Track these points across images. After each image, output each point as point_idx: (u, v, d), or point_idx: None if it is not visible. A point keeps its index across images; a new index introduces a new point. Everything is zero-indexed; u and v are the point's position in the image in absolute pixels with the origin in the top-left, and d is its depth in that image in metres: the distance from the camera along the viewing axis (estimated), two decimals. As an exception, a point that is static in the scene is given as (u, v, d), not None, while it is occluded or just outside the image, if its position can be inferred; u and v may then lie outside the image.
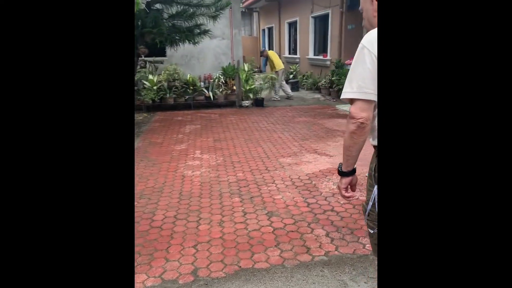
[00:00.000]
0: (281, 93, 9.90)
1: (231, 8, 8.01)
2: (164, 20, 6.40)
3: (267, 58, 9.87)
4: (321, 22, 11.22)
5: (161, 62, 8.83)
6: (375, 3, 1.45)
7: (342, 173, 1.52)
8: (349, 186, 1.54)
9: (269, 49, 12.94)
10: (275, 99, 9.56)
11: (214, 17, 6.39)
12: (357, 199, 3.34)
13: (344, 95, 1.40)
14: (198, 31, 6.57)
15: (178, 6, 6.46)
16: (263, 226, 2.89)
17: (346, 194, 1.52)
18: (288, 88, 10.05)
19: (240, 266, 2.36)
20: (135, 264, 2.41)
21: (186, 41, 6.74)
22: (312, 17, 11.49)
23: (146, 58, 8.63)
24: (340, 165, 1.53)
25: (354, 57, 1.39)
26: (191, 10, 6.24)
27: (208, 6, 6.52)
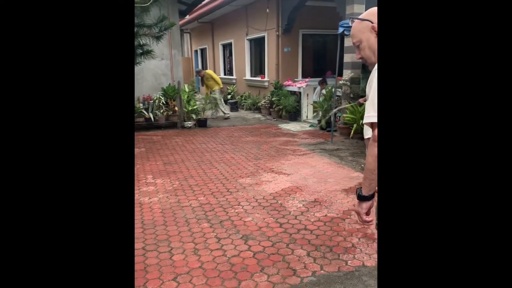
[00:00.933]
0: (220, 113, 9.90)
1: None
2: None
3: (202, 78, 9.82)
4: (257, 44, 11.56)
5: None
6: (375, 27, 1.44)
7: (362, 198, 1.47)
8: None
9: (203, 70, 12.94)
10: (224, 115, 9.66)
11: (157, 38, 6.21)
12: (325, 216, 3.42)
13: (368, 119, 1.39)
14: (141, 51, 6.32)
15: (119, 25, 6.17)
16: (241, 251, 2.80)
17: (367, 219, 1.50)
18: (226, 108, 10.12)
19: (230, 296, 2.24)
20: (111, 306, 2.16)
21: (127, 61, 6.43)
22: (247, 39, 11.79)
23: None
24: (360, 189, 1.50)
25: (373, 79, 1.42)
26: (134, 29, 6.00)
27: (150, 27, 6.32)
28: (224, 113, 9.81)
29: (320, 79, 8.66)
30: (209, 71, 9.93)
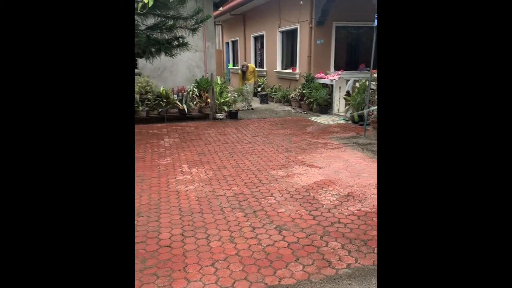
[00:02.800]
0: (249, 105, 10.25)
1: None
2: (141, 32, 6.23)
3: (245, 72, 10.34)
4: (289, 37, 11.51)
5: (139, 75, 8.56)
6: None
7: None
8: None
9: (232, 62, 13.23)
10: (249, 107, 9.97)
11: (193, 30, 6.32)
12: (359, 210, 3.42)
13: None
14: (177, 43, 6.46)
15: (156, 18, 6.33)
16: (276, 241, 2.86)
17: None
18: (252, 100, 10.59)
19: (267, 283, 2.32)
20: (155, 287, 2.29)
21: (162, 53, 6.60)
22: (279, 31, 11.75)
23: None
24: None
25: None
26: (171, 22, 6.14)
27: (186, 19, 6.45)
28: (250, 104, 10.22)
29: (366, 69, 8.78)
30: (252, 65, 10.32)
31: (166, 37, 6.36)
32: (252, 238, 2.91)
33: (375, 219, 3.22)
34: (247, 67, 10.41)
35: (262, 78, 13.18)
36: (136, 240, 2.88)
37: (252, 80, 10.32)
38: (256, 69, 14.13)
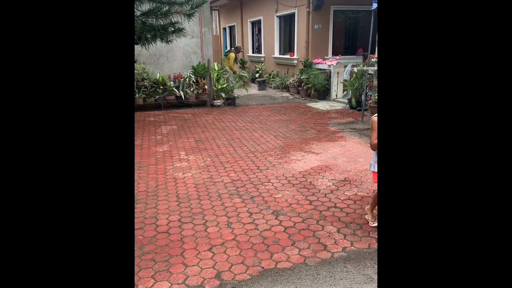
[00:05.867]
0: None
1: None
2: (136, 18, 6.15)
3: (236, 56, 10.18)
4: (287, 21, 11.37)
5: (135, 61, 8.48)
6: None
7: None
8: None
9: (231, 48, 13.13)
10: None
11: (189, 15, 6.23)
12: (355, 194, 3.45)
13: None
14: (172, 29, 6.38)
15: (151, 4, 6.23)
16: (273, 225, 2.89)
17: None
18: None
19: (263, 267, 2.35)
20: (152, 272, 2.32)
21: (158, 39, 6.52)
22: (277, 16, 11.61)
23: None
24: None
25: None
26: (166, 7, 6.05)
27: (181, 4, 6.35)
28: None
29: (363, 54, 8.70)
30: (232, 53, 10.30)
31: (162, 23, 6.27)
32: (249, 223, 2.94)
33: (371, 203, 3.25)
34: (240, 49, 10.35)
35: (260, 64, 13.08)
36: (134, 226, 2.91)
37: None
38: (254, 54, 14.04)
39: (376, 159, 2.59)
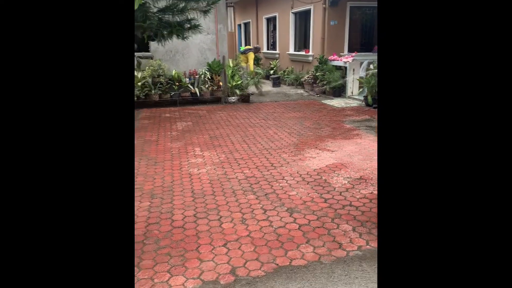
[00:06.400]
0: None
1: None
2: (153, 14, 6.20)
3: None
4: (302, 18, 11.30)
5: (151, 58, 8.58)
6: None
7: None
8: None
9: (246, 45, 13.19)
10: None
11: (205, 12, 6.26)
12: (371, 193, 3.41)
13: None
14: (189, 26, 6.42)
15: (167, 0, 6.28)
16: (287, 223, 2.89)
17: None
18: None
19: (278, 264, 2.35)
20: (168, 266, 2.35)
21: (174, 36, 6.57)
22: (292, 12, 11.54)
23: (134, 54, 8.35)
24: None
25: None
26: (182, 4, 6.09)
27: (197, 1, 6.38)
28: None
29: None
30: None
31: (178, 20, 6.32)
32: (263, 220, 2.94)
33: (387, 202, 3.22)
34: (259, 49, 10.54)
35: (275, 60, 13.04)
36: (150, 221, 2.95)
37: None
38: (269, 51, 14.02)
39: None
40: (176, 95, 8.24)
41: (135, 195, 3.45)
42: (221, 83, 8.53)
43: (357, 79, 8.66)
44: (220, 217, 3.00)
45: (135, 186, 3.66)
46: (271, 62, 12.94)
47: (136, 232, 2.76)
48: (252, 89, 9.76)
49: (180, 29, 6.30)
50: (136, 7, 2.88)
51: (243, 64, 10.12)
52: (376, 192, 3.43)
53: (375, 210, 3.07)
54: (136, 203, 3.27)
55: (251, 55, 10.58)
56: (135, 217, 3.01)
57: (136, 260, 2.41)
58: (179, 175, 3.98)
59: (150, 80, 7.97)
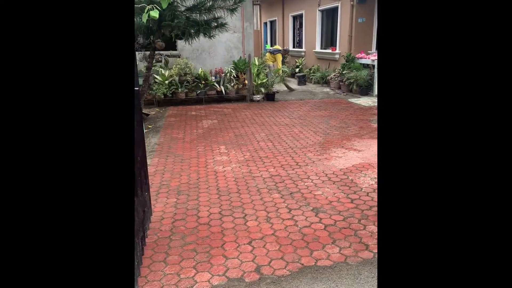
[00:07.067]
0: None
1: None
2: (180, 13, 6.29)
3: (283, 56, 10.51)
4: (329, 15, 11.16)
5: (178, 56, 8.71)
6: None
7: None
8: None
9: (271, 43, 13.17)
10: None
11: (232, 10, 6.29)
12: (399, 194, 3.33)
13: None
14: (215, 24, 6.46)
15: (195, -1, 6.35)
16: (312, 222, 2.87)
17: None
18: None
19: (303, 264, 2.34)
20: (194, 262, 2.38)
21: (201, 34, 6.64)
22: (319, 10, 11.42)
23: (162, 52, 8.51)
24: None
25: None
26: (210, 2, 6.14)
27: (224, -1, 6.41)
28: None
29: None
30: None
31: (205, 18, 6.37)
32: (288, 219, 2.93)
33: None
34: (288, 51, 10.74)
35: (301, 58, 12.95)
36: (176, 217, 3.00)
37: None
38: (295, 49, 13.96)
39: None
40: (202, 93, 8.32)
41: (162, 191, 3.52)
42: (246, 82, 8.55)
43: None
44: (245, 215, 3.01)
45: (162, 183, 3.73)
46: (297, 60, 12.86)
47: (163, 228, 2.82)
48: (277, 87, 9.75)
49: (207, 28, 6.34)
50: (164, 6, 2.93)
51: (270, 63, 10.12)
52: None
53: (403, 212, 3.00)
54: (163, 199, 3.33)
55: (279, 57, 10.62)
56: (162, 212, 3.07)
57: (163, 255, 2.46)
58: (204, 173, 4.02)
59: (177, 78, 8.09)
